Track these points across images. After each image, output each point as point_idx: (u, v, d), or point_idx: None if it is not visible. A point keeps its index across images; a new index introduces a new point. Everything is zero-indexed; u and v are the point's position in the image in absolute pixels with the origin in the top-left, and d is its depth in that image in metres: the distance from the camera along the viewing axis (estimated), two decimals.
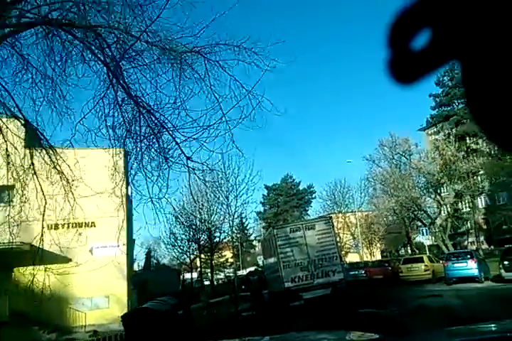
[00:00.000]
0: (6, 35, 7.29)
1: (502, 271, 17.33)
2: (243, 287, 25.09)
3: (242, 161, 26.93)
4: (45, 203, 9.24)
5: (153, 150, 7.46)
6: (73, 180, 8.93)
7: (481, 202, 42.46)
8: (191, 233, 29.17)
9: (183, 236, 30.07)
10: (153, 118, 6.98)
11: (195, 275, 40.49)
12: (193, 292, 25.89)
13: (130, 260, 19.86)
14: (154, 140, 7.23)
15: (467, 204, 40.09)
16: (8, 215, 9.18)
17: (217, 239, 29.90)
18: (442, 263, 22.32)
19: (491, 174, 36.49)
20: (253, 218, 48.95)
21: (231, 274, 52.01)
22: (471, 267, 19.23)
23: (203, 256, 32.96)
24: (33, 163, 8.76)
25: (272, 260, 15.86)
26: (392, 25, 0.52)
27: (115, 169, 9.17)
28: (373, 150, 34.76)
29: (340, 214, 46.03)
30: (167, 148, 7.34)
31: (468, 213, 41.09)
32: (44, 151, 8.79)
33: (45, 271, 10.66)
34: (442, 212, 34.05)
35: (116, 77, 5.82)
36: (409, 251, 44.47)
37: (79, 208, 9.51)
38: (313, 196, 55.88)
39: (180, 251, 31.13)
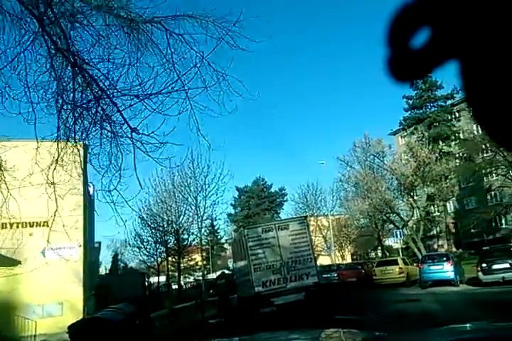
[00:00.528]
0: None
1: (480, 273, 16.80)
2: (211, 291, 23.89)
3: (213, 160, 25.93)
4: None
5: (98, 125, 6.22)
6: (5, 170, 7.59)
7: (449, 206, 42.79)
8: (158, 235, 27.73)
9: (150, 239, 28.62)
10: (87, 76, 5.74)
11: (164, 279, 38.89)
12: (156, 298, 24.41)
13: (88, 263, 18.30)
14: (95, 108, 5.99)
15: (438, 208, 40.25)
16: None
17: (186, 242, 28.64)
18: (417, 266, 21.87)
19: (462, 178, 36.70)
20: (224, 220, 47.84)
21: (201, 278, 50.76)
22: (447, 270, 18.71)
23: (171, 259, 31.56)
24: None
25: (242, 262, 14.76)
26: (391, 23, 0.52)
27: (74, 163, 8.10)
28: (347, 151, 34.39)
29: (312, 218, 45.99)
30: (110, 118, 6.11)
31: (439, 216, 41.31)
32: None
33: None
34: (415, 214, 33.88)
35: (43, 26, 4.66)
36: (380, 254, 44.49)
37: (28, 206, 8.35)
38: (285, 199, 55.37)
39: (146, 253, 29.61)
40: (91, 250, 22.92)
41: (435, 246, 42.89)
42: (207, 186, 25.28)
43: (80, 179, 11.04)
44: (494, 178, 35.00)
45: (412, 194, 32.34)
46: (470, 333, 2.47)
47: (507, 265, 16.18)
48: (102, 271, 54.15)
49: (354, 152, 33.52)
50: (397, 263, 22.22)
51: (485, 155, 32.62)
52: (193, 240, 27.47)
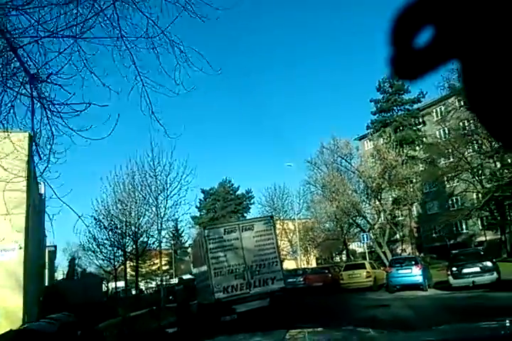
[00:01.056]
0: None
1: (450, 277, 16.28)
2: (171, 298, 22.51)
3: (175, 158, 24.72)
4: None
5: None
6: None
7: (410, 210, 43.07)
8: (115, 238, 26.03)
9: (106, 242, 26.87)
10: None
11: (123, 284, 37.00)
12: (107, 305, 22.74)
13: (36, 266, 16.62)
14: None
15: (403, 212, 40.38)
16: None
17: (147, 245, 27.06)
18: (385, 270, 21.36)
19: (425, 182, 36.97)
20: (188, 223, 46.35)
21: (163, 283, 48.99)
22: (415, 274, 18.19)
23: (131, 263, 29.93)
24: None
25: (202, 266, 13.58)
26: (394, 21, 0.52)
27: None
28: (315, 153, 33.88)
29: (278, 221, 45.53)
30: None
31: (404, 220, 41.43)
32: None
33: None
34: (381, 218, 33.70)
35: None
36: (344, 258, 44.31)
37: None
38: (252, 201, 54.54)
39: (102, 257, 27.82)
40: (39, 253, 21.15)
41: (398, 251, 43.06)
42: (168, 185, 24.02)
43: (23, 172, 9.68)
44: (456, 184, 35.36)
45: (378, 197, 32.11)
46: (467, 332, 2.47)
47: (477, 269, 15.75)
48: (59, 275, 51.57)
49: (322, 154, 33.11)
50: (365, 267, 21.63)
51: (450, 160, 32.88)
52: (153, 243, 25.91)
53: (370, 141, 39.08)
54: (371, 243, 31.75)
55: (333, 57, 79.15)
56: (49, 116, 5.53)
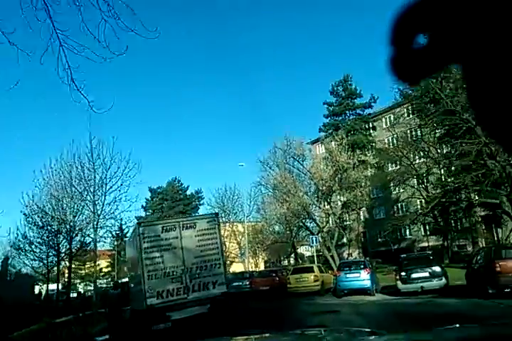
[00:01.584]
0: None
1: (398, 282, 15.81)
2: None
3: (117, 151, 23.09)
4: None
5: None
6: None
7: (358, 214, 43.53)
8: (48, 236, 23.83)
9: (39, 240, 24.61)
10: None
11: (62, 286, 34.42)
12: (38, 309, 20.70)
13: None
14: None
15: (351, 216, 40.59)
16: None
17: (85, 245, 25.00)
18: (333, 273, 20.83)
19: (373, 187, 37.39)
20: (134, 223, 44.08)
21: (104, 285, 46.44)
22: (363, 278, 17.68)
23: (66, 264, 27.65)
24: None
25: (135, 268, 12.21)
26: (395, 22, 0.52)
27: None
28: (267, 153, 33.13)
29: (228, 223, 44.75)
30: None
31: (352, 224, 41.67)
32: None
33: None
34: (330, 221, 33.51)
35: None
36: (292, 262, 44.01)
37: None
38: (202, 202, 53.09)
39: (32, 257, 25.51)
40: None
41: (345, 255, 43.32)
42: (108, 180, 22.26)
43: None
44: (402, 190, 35.93)
45: (328, 200, 31.87)
46: (473, 332, 2.40)
47: (426, 274, 15.40)
48: None
49: (274, 154, 32.44)
50: (313, 271, 20.96)
51: (397, 167, 33.24)
52: (89, 243, 23.90)
53: (322, 144, 38.92)
54: (319, 246, 31.42)
55: (287, 54, 79.41)
56: None
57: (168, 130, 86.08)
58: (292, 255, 45.17)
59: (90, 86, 6.30)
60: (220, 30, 73.55)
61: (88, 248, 25.13)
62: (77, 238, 23.41)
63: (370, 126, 41.67)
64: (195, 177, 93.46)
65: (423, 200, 31.28)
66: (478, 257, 14.41)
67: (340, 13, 70.52)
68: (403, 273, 15.67)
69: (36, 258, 26.03)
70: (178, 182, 53.55)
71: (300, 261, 41.54)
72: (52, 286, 31.82)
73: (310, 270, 21.23)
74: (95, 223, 21.56)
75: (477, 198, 26.94)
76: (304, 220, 32.74)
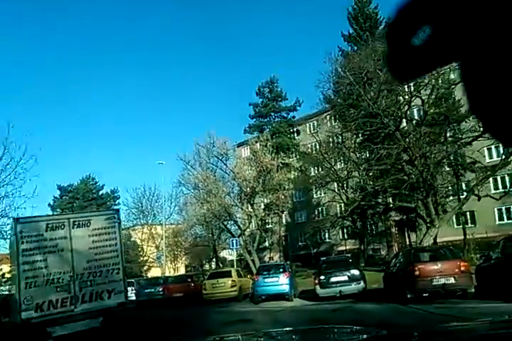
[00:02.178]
0: None
1: (317, 287, 15.11)
2: None
3: (12, 140, 20.40)
4: None
5: None
6: None
7: (280, 217, 43.53)
8: None
9: None
10: None
11: None
12: None
13: None
14: None
15: (273, 219, 40.30)
16: None
17: None
18: (251, 278, 19.81)
19: (296, 191, 37.45)
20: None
21: (5, 292, 41.84)
22: (282, 283, 16.85)
23: None
24: None
25: (14, 274, 10.20)
26: (393, 19, 0.52)
27: None
28: (189, 152, 31.59)
29: (146, 225, 42.73)
30: None
31: (274, 228, 41.39)
32: None
33: None
34: (252, 223, 32.75)
35: None
36: (214, 266, 42.82)
37: None
38: (117, 202, 50.03)
39: None
40: None
41: (266, 259, 42.98)
42: None
43: None
44: (323, 195, 36.28)
45: (251, 201, 31.06)
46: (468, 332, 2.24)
47: (345, 278, 14.86)
48: None
49: (197, 153, 30.97)
50: (231, 275, 19.75)
51: (320, 170, 33.34)
52: None
53: (248, 146, 38.21)
54: (241, 250, 30.49)
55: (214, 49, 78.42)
56: None
57: (85, 124, 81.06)
58: (214, 259, 43.93)
59: None
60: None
61: None
62: None
63: (295, 129, 41.73)
64: (111, 176, 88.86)
65: (343, 204, 31.59)
66: (396, 260, 14.11)
67: (275, 12, 71.04)
68: (322, 277, 15.00)
69: None
70: (92, 180, 49.95)
71: (221, 266, 40.42)
72: None
73: (227, 274, 20.01)
74: None
75: (394, 202, 27.51)
76: (225, 222, 31.67)
